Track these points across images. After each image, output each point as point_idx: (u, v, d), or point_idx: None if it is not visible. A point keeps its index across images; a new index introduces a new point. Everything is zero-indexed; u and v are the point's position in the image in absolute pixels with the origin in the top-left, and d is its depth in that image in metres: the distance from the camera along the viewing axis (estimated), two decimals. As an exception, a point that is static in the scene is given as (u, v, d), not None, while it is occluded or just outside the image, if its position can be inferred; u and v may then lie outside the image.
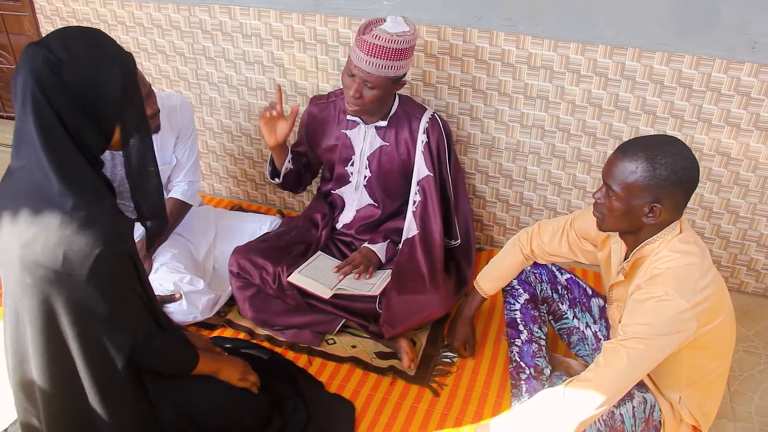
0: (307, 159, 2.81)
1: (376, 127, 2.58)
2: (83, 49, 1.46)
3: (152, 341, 1.72)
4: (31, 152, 1.44)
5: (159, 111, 2.45)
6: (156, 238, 1.81)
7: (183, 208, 2.74)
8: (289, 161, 2.68)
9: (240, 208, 3.52)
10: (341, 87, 2.58)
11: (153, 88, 2.43)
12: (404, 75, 2.45)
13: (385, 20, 2.35)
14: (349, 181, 2.72)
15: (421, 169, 2.60)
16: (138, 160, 1.62)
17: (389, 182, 2.67)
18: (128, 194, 1.65)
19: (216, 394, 1.94)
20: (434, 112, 2.61)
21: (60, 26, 3.39)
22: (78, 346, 1.59)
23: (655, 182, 1.65)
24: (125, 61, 1.54)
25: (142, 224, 1.72)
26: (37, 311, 1.55)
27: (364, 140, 2.61)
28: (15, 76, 1.44)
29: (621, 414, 1.88)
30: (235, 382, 2.00)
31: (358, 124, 2.59)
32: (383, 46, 2.28)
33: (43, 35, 3.49)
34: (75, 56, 1.44)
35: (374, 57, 2.30)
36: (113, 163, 1.65)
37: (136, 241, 1.76)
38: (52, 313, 1.55)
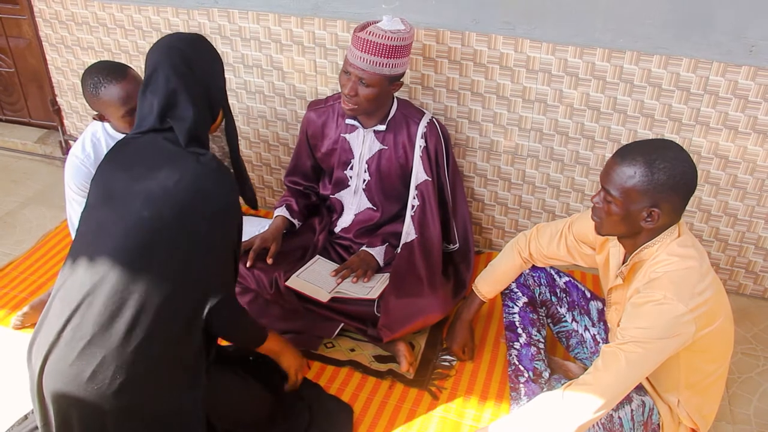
0: (309, 190, 2.87)
1: (374, 131, 2.58)
2: (204, 48, 1.86)
3: (229, 306, 1.80)
4: (175, 120, 1.75)
5: None
6: (254, 197, 2.17)
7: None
8: (297, 223, 2.82)
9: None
10: (339, 91, 2.59)
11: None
12: (401, 75, 2.45)
13: (382, 19, 2.37)
14: (348, 185, 2.72)
15: (419, 174, 2.61)
16: (234, 136, 2.00)
17: (388, 186, 2.67)
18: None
19: (221, 389, 1.94)
20: (432, 117, 2.62)
21: (59, 30, 3.43)
22: (168, 297, 1.66)
23: (654, 187, 1.65)
24: (220, 57, 1.92)
25: (241, 180, 2.06)
26: (139, 259, 1.65)
27: (363, 144, 2.61)
28: (153, 73, 1.76)
29: (619, 417, 1.88)
30: (293, 368, 2.16)
31: (357, 128, 2.59)
32: (378, 43, 2.29)
33: (42, 39, 3.54)
34: (200, 53, 1.83)
35: (369, 54, 2.31)
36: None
37: None
38: (157, 260, 1.66)
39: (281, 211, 2.76)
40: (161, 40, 1.84)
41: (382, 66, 2.34)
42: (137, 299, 1.63)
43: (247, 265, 2.56)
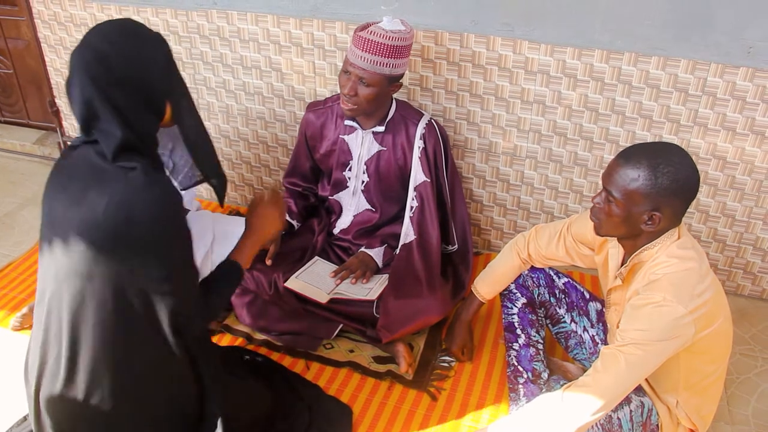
0: (308, 191, 2.87)
1: (373, 133, 2.58)
2: (122, 38, 1.55)
3: (199, 309, 1.73)
4: (96, 136, 1.55)
5: None
6: (224, 193, 1.89)
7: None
8: (296, 224, 2.82)
9: (237, 213, 3.51)
10: (338, 92, 2.59)
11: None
12: (400, 76, 2.46)
13: (383, 20, 2.37)
14: (347, 186, 2.72)
15: (418, 175, 2.61)
16: (194, 127, 1.72)
17: (387, 187, 2.67)
18: (187, 167, 1.81)
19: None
20: (431, 118, 2.62)
21: (58, 31, 3.42)
22: (123, 317, 1.60)
23: (657, 191, 1.65)
24: (159, 41, 1.62)
25: (209, 184, 1.82)
26: (80, 285, 1.56)
27: (362, 145, 2.61)
28: (70, 79, 1.54)
29: (618, 418, 1.89)
30: (279, 222, 2.08)
31: (356, 129, 2.59)
32: (378, 42, 2.30)
33: (41, 40, 3.54)
34: (117, 46, 1.53)
35: (369, 53, 2.31)
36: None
37: None
38: (96, 288, 1.56)
39: None
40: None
41: (383, 66, 2.34)
42: (91, 328, 1.59)
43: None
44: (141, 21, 3.10)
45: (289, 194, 2.84)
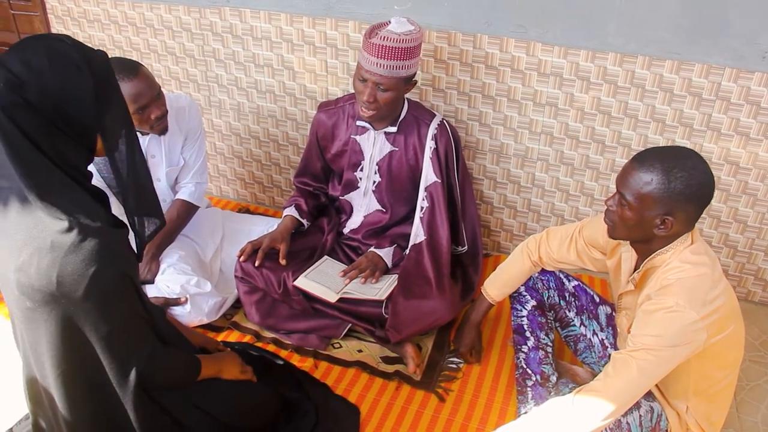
0: (319, 191, 2.87)
1: (385, 133, 2.58)
2: (44, 63, 1.35)
3: (157, 359, 1.65)
4: (12, 178, 1.36)
5: (167, 112, 2.45)
6: (148, 241, 1.73)
7: (190, 209, 2.75)
8: (306, 223, 2.80)
9: (247, 211, 3.52)
10: (350, 92, 2.59)
11: (162, 89, 2.44)
12: (414, 74, 2.45)
13: (389, 22, 2.36)
14: (358, 187, 2.72)
15: (429, 176, 2.60)
16: (130, 164, 1.56)
17: (398, 187, 2.67)
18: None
19: (228, 390, 1.93)
20: (443, 118, 2.62)
21: (71, 27, 3.43)
22: (82, 370, 1.56)
23: (669, 195, 1.64)
24: (93, 65, 1.42)
25: (130, 226, 1.63)
26: (38, 335, 1.51)
27: (374, 146, 2.61)
28: None
29: (628, 423, 1.88)
30: (237, 376, 1.97)
31: (368, 129, 2.59)
32: (392, 47, 2.29)
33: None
34: (37, 72, 1.35)
35: (385, 59, 2.30)
36: (107, 167, 1.58)
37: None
38: (53, 338, 1.50)
39: (290, 211, 2.76)
40: None
41: (399, 69, 2.34)
42: (56, 377, 1.56)
43: (255, 264, 2.56)
44: (154, 17, 3.18)
45: (300, 193, 2.84)
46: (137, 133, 2.45)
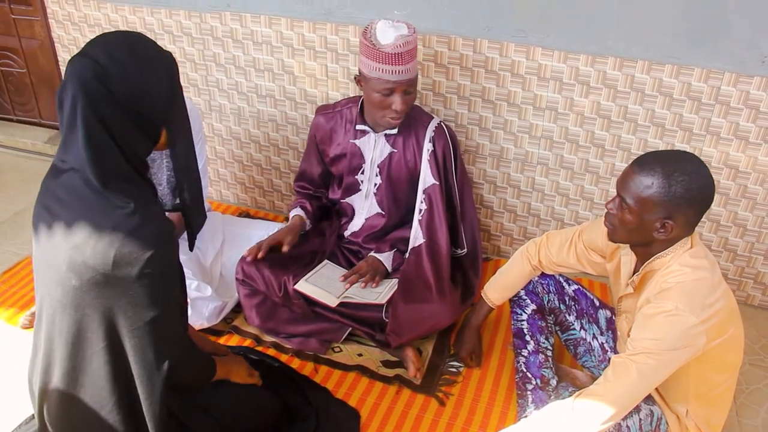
0: (319, 194, 2.88)
1: (386, 135, 2.58)
2: (127, 57, 1.44)
3: (191, 353, 1.71)
4: (81, 161, 1.44)
5: None
6: (198, 232, 1.81)
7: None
8: (309, 224, 2.81)
9: (247, 215, 3.52)
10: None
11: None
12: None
13: (376, 27, 2.35)
14: (359, 190, 2.72)
15: (427, 178, 2.61)
16: (184, 157, 1.64)
17: (398, 190, 2.67)
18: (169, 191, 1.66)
19: (232, 394, 1.94)
20: (441, 121, 2.62)
21: (72, 31, 3.44)
22: (114, 357, 1.56)
23: (669, 199, 1.65)
24: (167, 62, 1.53)
25: (185, 217, 1.73)
26: (76, 316, 1.53)
27: (375, 148, 2.61)
28: (63, 88, 1.43)
29: (628, 426, 1.88)
30: (245, 379, 2.01)
31: (368, 132, 2.59)
32: (409, 49, 2.32)
33: (54, 40, 3.56)
34: (121, 65, 1.42)
35: (408, 63, 2.34)
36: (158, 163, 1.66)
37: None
38: (90, 321, 1.52)
39: (297, 212, 2.77)
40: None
41: (416, 65, 2.40)
42: (89, 360, 1.58)
43: (259, 256, 2.57)
44: (154, 22, 3.18)
45: (302, 196, 2.84)
46: None
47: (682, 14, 2.42)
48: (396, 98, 2.38)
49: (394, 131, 2.57)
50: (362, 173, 2.67)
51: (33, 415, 2.18)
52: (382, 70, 2.32)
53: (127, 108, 1.44)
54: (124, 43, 1.46)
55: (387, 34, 2.32)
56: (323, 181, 2.85)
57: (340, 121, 2.65)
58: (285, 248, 2.59)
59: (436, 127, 2.58)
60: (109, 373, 1.58)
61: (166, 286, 1.55)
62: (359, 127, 2.59)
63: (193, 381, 1.81)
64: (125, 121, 1.45)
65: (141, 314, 1.51)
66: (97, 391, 1.60)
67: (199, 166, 2.73)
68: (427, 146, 2.58)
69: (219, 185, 3.67)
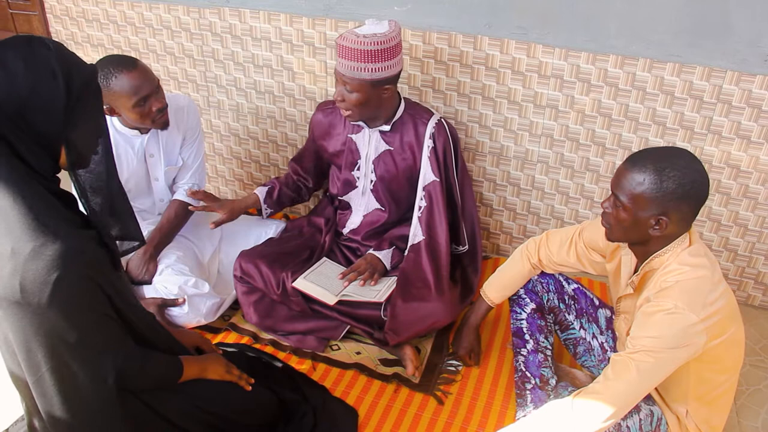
0: (302, 183, 2.88)
1: (380, 132, 2.57)
2: (20, 67, 1.35)
3: (133, 360, 1.62)
4: None
5: (167, 105, 2.46)
6: (127, 253, 1.72)
7: (188, 210, 2.74)
8: (266, 209, 2.84)
9: (246, 212, 3.50)
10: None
11: (160, 84, 2.45)
12: (388, 79, 2.38)
13: (364, 23, 2.35)
14: (356, 186, 2.71)
15: (427, 175, 2.59)
16: (90, 184, 1.55)
17: (395, 186, 2.66)
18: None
19: (223, 391, 1.92)
20: (441, 117, 2.60)
21: (70, 26, 3.42)
22: (55, 377, 1.51)
23: (662, 195, 1.64)
24: (73, 77, 1.41)
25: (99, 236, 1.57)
26: (10, 344, 1.48)
27: (369, 144, 2.60)
28: None
29: (628, 426, 1.87)
30: (222, 376, 1.94)
31: (363, 128, 2.58)
32: (352, 48, 2.28)
33: (53, 35, 3.54)
34: (10, 73, 1.34)
35: (344, 59, 2.32)
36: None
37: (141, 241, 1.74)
38: (26, 345, 1.46)
39: (260, 192, 2.81)
40: None
41: (361, 71, 2.31)
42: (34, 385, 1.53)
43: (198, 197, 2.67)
44: (153, 17, 3.17)
45: (283, 178, 2.87)
46: (135, 132, 2.45)
47: (684, 12, 2.40)
48: (337, 86, 2.39)
49: (387, 128, 2.55)
50: (358, 169, 2.66)
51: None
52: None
53: (12, 118, 1.35)
54: (23, 52, 1.37)
55: (351, 30, 2.33)
56: (315, 174, 2.88)
57: (338, 115, 2.64)
58: (211, 226, 2.68)
59: (436, 123, 2.57)
60: (60, 391, 1.54)
61: (82, 306, 1.46)
62: (354, 121, 2.58)
63: (153, 384, 1.73)
64: (16, 132, 1.37)
65: (64, 338, 1.45)
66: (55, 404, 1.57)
67: (197, 163, 2.75)
68: (428, 143, 2.56)
69: (217, 181, 3.66)
